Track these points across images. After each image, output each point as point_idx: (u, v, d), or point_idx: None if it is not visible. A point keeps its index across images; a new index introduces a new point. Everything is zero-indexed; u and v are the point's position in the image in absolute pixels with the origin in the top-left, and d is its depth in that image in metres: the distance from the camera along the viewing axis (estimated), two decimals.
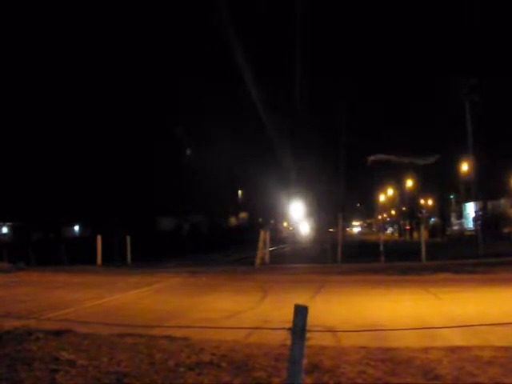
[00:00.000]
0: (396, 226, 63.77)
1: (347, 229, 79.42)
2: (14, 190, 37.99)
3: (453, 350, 5.65)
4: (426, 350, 5.70)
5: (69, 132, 39.22)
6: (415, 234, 43.65)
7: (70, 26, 41.13)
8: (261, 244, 20.28)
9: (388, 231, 66.80)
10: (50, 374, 5.08)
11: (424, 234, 22.38)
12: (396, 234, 60.39)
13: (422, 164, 35.92)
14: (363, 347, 5.87)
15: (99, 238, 21.86)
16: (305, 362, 3.76)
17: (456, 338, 6.22)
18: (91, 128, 39.85)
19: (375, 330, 6.65)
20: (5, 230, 47.52)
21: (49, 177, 39.42)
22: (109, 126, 40.33)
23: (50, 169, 39.21)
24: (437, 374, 4.86)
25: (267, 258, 20.68)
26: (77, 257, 22.46)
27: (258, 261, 19.87)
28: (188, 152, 46.58)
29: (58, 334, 6.81)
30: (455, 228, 51.34)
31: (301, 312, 3.63)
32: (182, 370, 5.11)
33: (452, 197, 55.49)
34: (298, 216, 46.61)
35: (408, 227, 54.84)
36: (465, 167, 37.22)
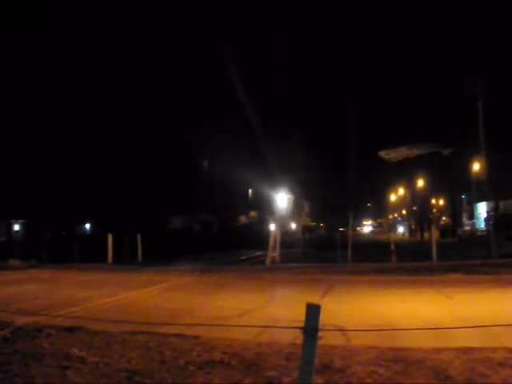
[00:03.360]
0: (407, 226, 63.44)
1: (358, 228, 79.18)
2: (27, 189, 38.37)
3: (464, 350, 5.60)
4: (437, 350, 5.65)
5: (83, 132, 39.57)
6: (426, 234, 43.39)
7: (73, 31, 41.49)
8: (271, 243, 20.26)
9: (399, 231, 66.47)
10: (61, 370, 5.11)
11: (435, 234, 22.22)
12: (407, 234, 60.09)
13: (444, 153, 35.30)
14: (374, 347, 5.83)
15: (110, 236, 21.97)
16: (315, 361, 3.74)
17: (467, 339, 6.16)
18: (104, 130, 40.18)
19: (386, 330, 6.61)
20: (17, 227, 47.97)
21: (61, 175, 39.74)
22: (121, 128, 40.64)
23: (62, 168, 39.54)
24: (448, 374, 4.82)
25: (278, 257, 20.65)
26: (88, 255, 22.61)
27: (268, 260, 19.87)
28: (205, 165, 46.29)
29: (69, 330, 6.85)
30: (466, 228, 50.91)
31: (313, 311, 3.60)
32: (192, 368, 5.11)
33: (463, 197, 55.03)
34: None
35: (413, 226, 54.36)
36: (476, 166, 36.90)
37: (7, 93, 35.98)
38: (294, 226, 39.70)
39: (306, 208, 47.78)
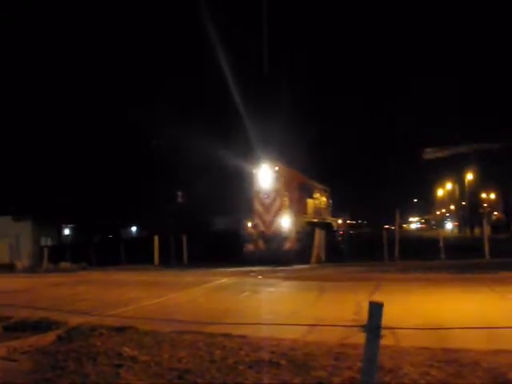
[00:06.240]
0: (456, 222, 61.64)
1: (404, 225, 77.53)
2: (76, 194, 39.70)
3: None
4: (494, 352, 5.43)
5: (127, 140, 40.55)
6: (476, 230, 41.97)
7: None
8: (316, 242, 20.12)
9: (447, 227, 64.65)
10: (114, 368, 5.24)
11: (487, 230, 21.46)
12: (456, 230, 58.37)
13: (494, 150, 33.76)
14: (425, 348, 5.67)
15: (156, 238, 22.40)
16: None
17: None
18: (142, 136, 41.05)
19: (436, 329, 6.42)
20: (67, 231, 49.62)
21: (108, 181, 40.91)
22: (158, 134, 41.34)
23: (109, 174, 40.69)
24: (508, 378, 4.61)
25: (323, 255, 20.48)
26: (135, 257, 23.15)
27: (313, 259, 19.74)
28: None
29: (120, 330, 7.03)
30: None
31: (376, 309, 3.67)
32: (241, 367, 5.13)
33: None
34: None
35: (456, 223, 52.44)
36: None
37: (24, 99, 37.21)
38: (286, 223, 20.09)
39: (326, 196, 26.75)
